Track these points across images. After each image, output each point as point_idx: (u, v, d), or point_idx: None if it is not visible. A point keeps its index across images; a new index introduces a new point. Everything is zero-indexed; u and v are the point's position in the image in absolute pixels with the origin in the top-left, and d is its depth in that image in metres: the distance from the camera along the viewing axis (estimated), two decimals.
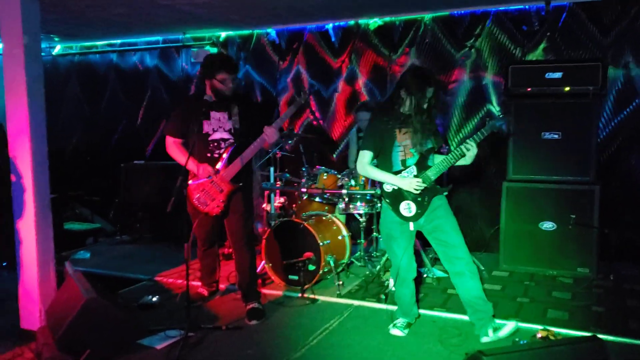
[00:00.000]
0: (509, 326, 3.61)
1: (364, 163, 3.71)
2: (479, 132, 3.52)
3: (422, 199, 3.61)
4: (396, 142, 3.64)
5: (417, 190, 3.56)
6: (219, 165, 3.99)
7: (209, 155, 4.04)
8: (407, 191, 3.61)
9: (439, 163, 3.59)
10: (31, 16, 3.87)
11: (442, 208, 3.69)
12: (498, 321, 3.70)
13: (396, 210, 3.66)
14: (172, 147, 4.15)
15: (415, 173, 3.61)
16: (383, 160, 3.73)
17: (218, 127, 4.06)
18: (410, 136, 3.62)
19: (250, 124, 4.10)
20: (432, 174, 3.59)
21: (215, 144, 4.05)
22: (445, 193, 3.70)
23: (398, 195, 3.65)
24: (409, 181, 3.58)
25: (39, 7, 3.93)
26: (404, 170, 3.64)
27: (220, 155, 4.02)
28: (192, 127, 4.05)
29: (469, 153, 3.53)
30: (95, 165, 8.12)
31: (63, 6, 5.46)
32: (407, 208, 3.63)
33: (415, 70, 3.80)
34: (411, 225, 3.67)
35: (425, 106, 3.59)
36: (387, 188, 3.69)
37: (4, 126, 5.03)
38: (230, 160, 3.99)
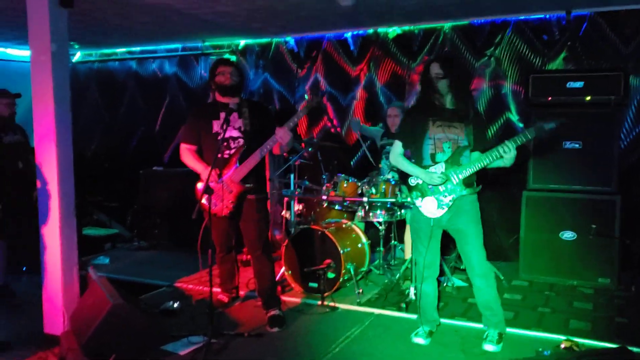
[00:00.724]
0: (492, 347, 3.61)
1: (396, 153, 3.74)
2: (521, 135, 3.34)
3: (445, 197, 3.54)
4: (428, 133, 3.57)
5: (435, 183, 3.50)
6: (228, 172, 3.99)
7: (219, 156, 3.97)
8: (430, 187, 3.56)
9: (470, 163, 3.48)
10: (59, 24, 3.92)
11: (469, 214, 3.63)
12: (492, 335, 3.67)
13: (419, 204, 3.63)
14: (186, 154, 4.17)
15: (443, 170, 3.52)
16: (415, 154, 3.69)
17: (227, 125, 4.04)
18: (442, 129, 3.53)
19: (261, 128, 4.05)
20: (459, 172, 3.48)
21: (225, 143, 4.01)
22: (467, 193, 3.56)
23: (422, 190, 3.60)
24: (431, 174, 3.51)
25: (66, 15, 3.98)
26: (433, 165, 3.56)
27: (231, 156, 4.01)
28: (203, 130, 4.08)
29: (507, 156, 3.38)
30: (113, 171, 8.18)
31: (87, 14, 5.51)
32: (429, 204, 3.58)
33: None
34: (431, 220, 3.61)
35: (440, 85, 3.49)
36: (412, 182, 3.64)
37: (26, 131, 5.09)
38: (240, 161, 3.98)
